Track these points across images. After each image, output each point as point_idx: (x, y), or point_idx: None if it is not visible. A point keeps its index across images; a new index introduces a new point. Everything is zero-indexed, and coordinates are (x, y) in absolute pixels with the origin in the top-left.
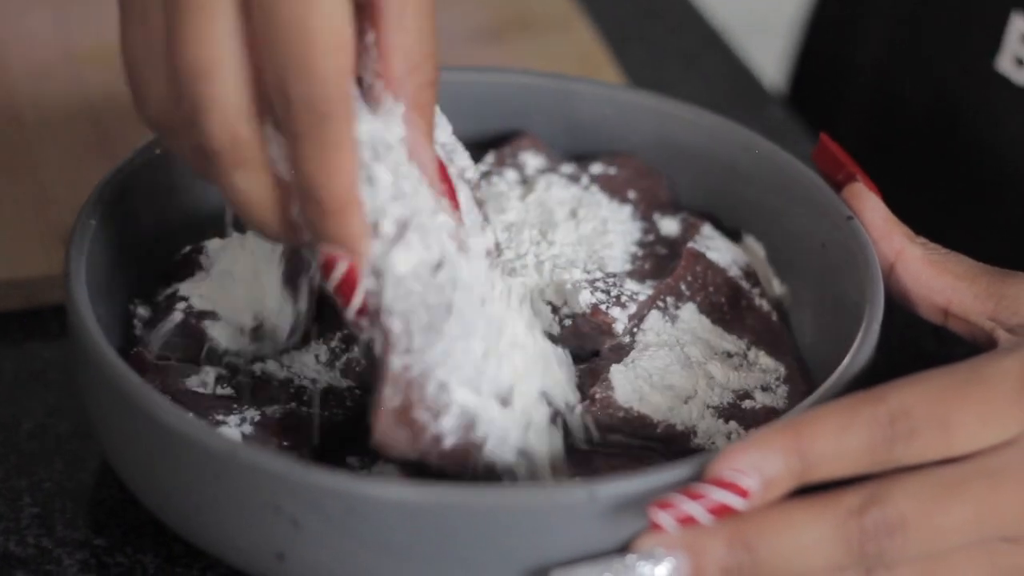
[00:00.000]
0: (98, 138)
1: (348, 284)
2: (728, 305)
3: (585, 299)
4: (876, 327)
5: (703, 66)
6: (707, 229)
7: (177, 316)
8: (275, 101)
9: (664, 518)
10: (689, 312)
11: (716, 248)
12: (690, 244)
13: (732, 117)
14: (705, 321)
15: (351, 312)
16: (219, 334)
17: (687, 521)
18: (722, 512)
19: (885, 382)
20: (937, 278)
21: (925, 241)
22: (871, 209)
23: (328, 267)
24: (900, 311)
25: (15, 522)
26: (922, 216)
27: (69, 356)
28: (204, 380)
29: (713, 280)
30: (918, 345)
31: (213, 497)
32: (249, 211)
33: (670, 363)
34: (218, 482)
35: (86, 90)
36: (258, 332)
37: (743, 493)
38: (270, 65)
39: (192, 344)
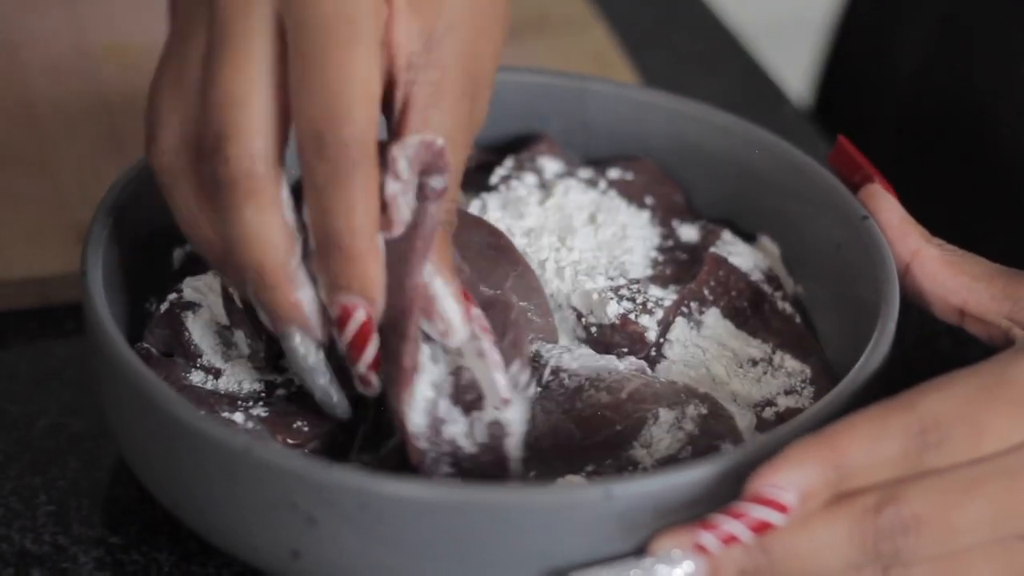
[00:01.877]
0: (113, 136)
1: (362, 337)
2: (751, 309)
3: (613, 310)
4: (892, 327)
5: (720, 68)
6: (727, 235)
7: (164, 306)
8: (306, 146)
9: (708, 539)
10: (713, 317)
11: (737, 253)
12: (712, 249)
13: (748, 118)
14: (729, 326)
15: (363, 366)
16: (194, 326)
17: (730, 540)
18: (763, 529)
19: (903, 382)
20: (953, 279)
21: (941, 242)
22: (887, 210)
23: (343, 319)
24: (916, 311)
25: (31, 520)
26: (952, 220)
27: (85, 354)
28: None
29: (736, 285)
30: (934, 345)
31: (228, 494)
32: (252, 250)
33: None
34: (234, 479)
35: (101, 88)
36: (231, 333)
37: (783, 509)
38: (307, 108)
39: (171, 335)
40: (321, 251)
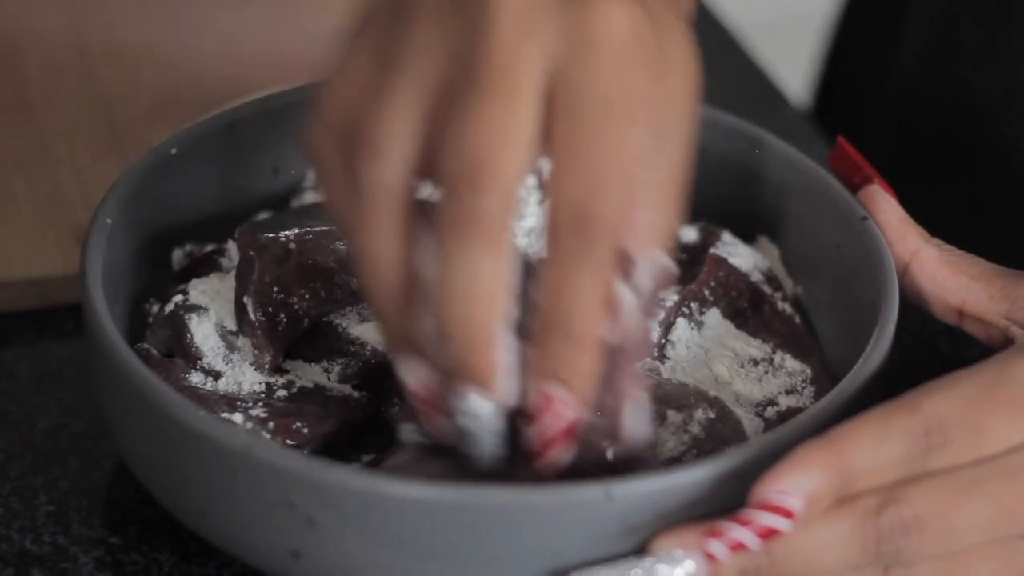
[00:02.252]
0: (112, 137)
1: (569, 432)
2: (751, 310)
3: None
4: (891, 327)
5: (718, 68)
6: (727, 236)
7: (168, 307)
8: (561, 218)
9: (716, 547)
10: (714, 318)
11: (737, 254)
12: (712, 250)
13: (747, 118)
14: (730, 326)
15: (549, 461)
16: (197, 329)
17: (738, 548)
18: (769, 535)
19: (902, 382)
20: (952, 279)
21: (940, 242)
22: (886, 211)
23: (542, 408)
24: (915, 311)
25: (31, 520)
26: (951, 220)
27: (85, 355)
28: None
29: (736, 285)
30: (933, 345)
31: (229, 494)
32: (469, 302)
33: None
34: (234, 479)
35: (101, 89)
36: (236, 338)
37: (789, 514)
38: (573, 181)
39: (173, 336)
40: (544, 331)
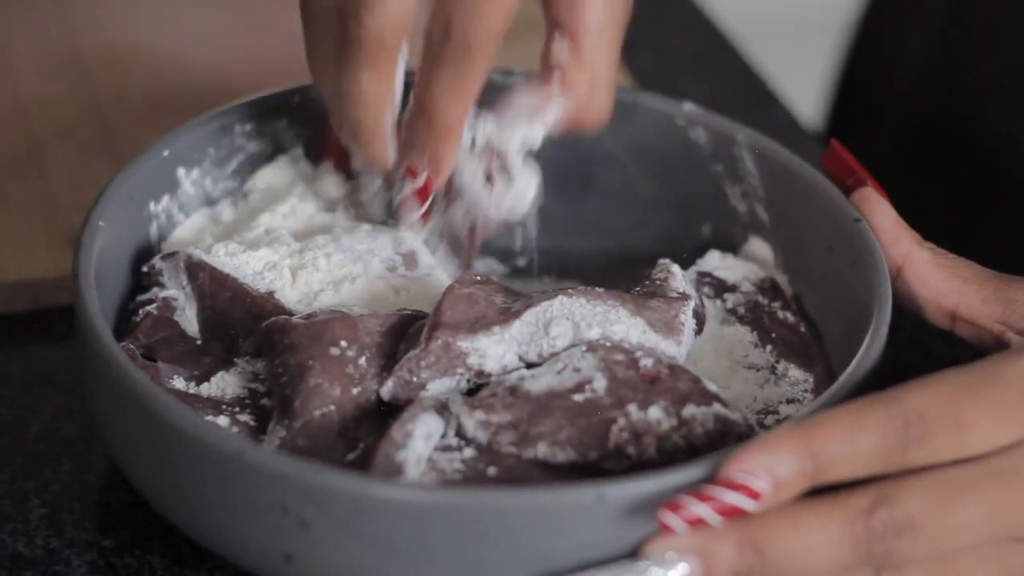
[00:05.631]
0: (105, 139)
1: (423, 193)
2: (750, 319)
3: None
4: (884, 329)
5: (711, 69)
6: (713, 256)
7: (153, 308)
8: (434, 27)
9: (674, 520)
10: (711, 325)
11: (725, 267)
12: (694, 267)
13: (740, 119)
14: (728, 334)
15: (416, 215)
16: (183, 319)
17: (697, 523)
18: (732, 513)
19: (895, 384)
20: (945, 282)
21: (933, 246)
22: (880, 213)
23: (410, 174)
24: (908, 313)
25: (24, 523)
26: (964, 225)
27: (77, 357)
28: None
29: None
30: (927, 347)
31: (221, 498)
32: (354, 108)
33: None
34: (226, 483)
35: (93, 90)
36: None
37: (754, 495)
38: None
39: (164, 326)
40: (413, 114)
